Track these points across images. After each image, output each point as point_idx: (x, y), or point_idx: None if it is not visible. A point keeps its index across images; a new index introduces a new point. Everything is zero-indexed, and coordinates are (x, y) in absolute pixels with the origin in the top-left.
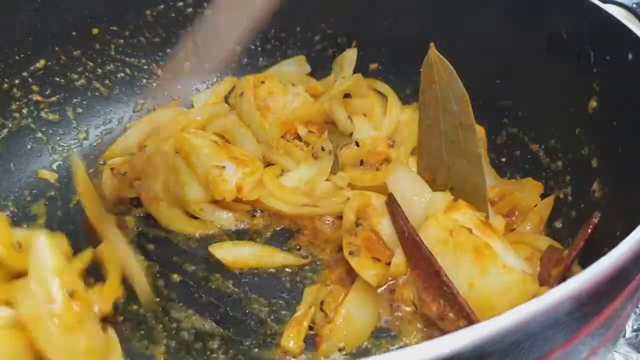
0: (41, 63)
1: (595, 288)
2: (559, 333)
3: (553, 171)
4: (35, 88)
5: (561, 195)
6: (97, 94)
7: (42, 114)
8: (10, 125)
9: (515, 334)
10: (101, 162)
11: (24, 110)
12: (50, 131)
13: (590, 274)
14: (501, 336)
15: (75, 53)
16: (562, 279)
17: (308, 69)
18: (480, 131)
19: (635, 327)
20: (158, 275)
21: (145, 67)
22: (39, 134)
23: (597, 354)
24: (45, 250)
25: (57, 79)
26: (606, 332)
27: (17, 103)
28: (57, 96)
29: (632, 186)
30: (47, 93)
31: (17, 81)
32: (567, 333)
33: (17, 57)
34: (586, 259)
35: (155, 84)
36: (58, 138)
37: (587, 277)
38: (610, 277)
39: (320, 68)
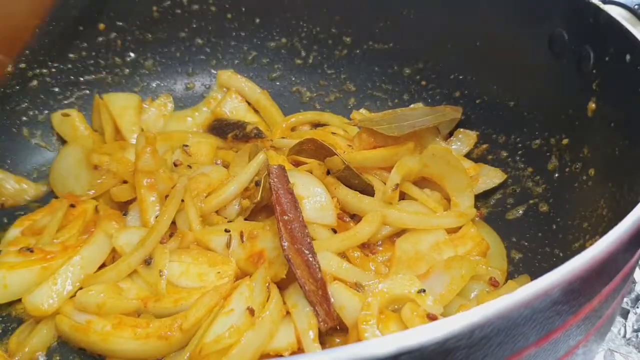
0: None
1: (568, 286)
2: (531, 331)
3: (551, 170)
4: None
5: None
6: (102, 88)
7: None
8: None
9: (484, 330)
10: None
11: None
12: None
13: (563, 272)
14: (469, 331)
15: (81, 47)
16: None
17: None
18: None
19: (635, 327)
20: None
21: (150, 63)
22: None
23: (575, 354)
24: None
25: (64, 75)
26: (584, 333)
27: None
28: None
29: (630, 188)
30: (55, 90)
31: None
32: (540, 331)
33: (26, 51)
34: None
35: (155, 83)
36: None
37: (560, 274)
38: (584, 276)
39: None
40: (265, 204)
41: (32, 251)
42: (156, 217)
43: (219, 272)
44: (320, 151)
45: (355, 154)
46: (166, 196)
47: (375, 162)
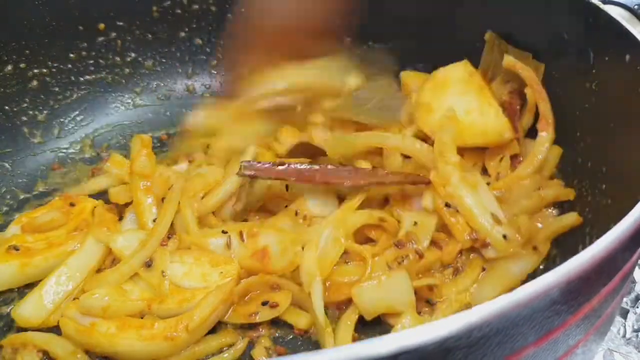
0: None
1: (567, 286)
2: (530, 330)
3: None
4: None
5: None
6: (102, 87)
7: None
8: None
9: (483, 330)
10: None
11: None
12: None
13: (562, 271)
14: (469, 331)
15: (81, 47)
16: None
17: None
18: None
19: (635, 327)
20: None
21: (150, 63)
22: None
23: (574, 353)
24: None
25: (64, 75)
26: (583, 333)
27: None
28: (66, 93)
29: (627, 186)
30: (55, 90)
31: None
32: (539, 331)
33: (26, 51)
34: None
35: (155, 83)
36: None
37: (559, 274)
38: (583, 275)
39: None
40: (260, 206)
41: (17, 249)
42: (153, 220)
43: (221, 272)
44: (309, 151)
45: (337, 147)
46: (163, 199)
47: (359, 146)
